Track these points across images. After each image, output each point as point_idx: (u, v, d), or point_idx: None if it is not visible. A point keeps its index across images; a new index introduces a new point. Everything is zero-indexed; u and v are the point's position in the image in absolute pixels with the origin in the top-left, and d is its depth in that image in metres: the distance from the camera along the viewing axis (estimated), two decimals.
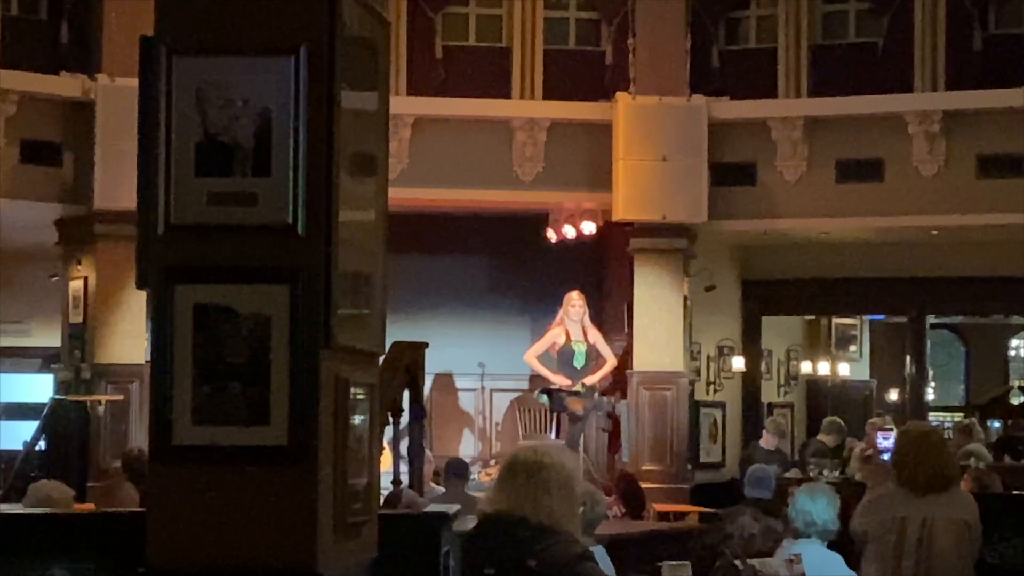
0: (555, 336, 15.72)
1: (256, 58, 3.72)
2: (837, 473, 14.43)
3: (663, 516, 14.13)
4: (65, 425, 15.52)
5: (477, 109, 16.47)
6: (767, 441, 16.23)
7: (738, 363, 18.74)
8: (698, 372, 18.12)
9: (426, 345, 11.36)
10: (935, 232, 16.94)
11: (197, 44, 3.73)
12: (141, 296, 3.83)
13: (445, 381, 17.68)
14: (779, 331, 19.96)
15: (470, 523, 5.13)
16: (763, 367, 19.55)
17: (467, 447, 17.41)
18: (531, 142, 16.44)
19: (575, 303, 15.69)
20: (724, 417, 18.56)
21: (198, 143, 3.72)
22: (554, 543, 4.66)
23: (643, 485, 14.06)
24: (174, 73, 3.73)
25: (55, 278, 17.07)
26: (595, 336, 15.84)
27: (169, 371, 3.71)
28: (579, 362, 15.58)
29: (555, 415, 16.13)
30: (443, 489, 11.94)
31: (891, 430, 14.47)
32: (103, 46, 15.47)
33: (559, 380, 15.46)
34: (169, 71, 3.73)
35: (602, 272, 17.83)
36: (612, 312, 17.41)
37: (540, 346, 15.92)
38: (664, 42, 16.54)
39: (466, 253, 18.22)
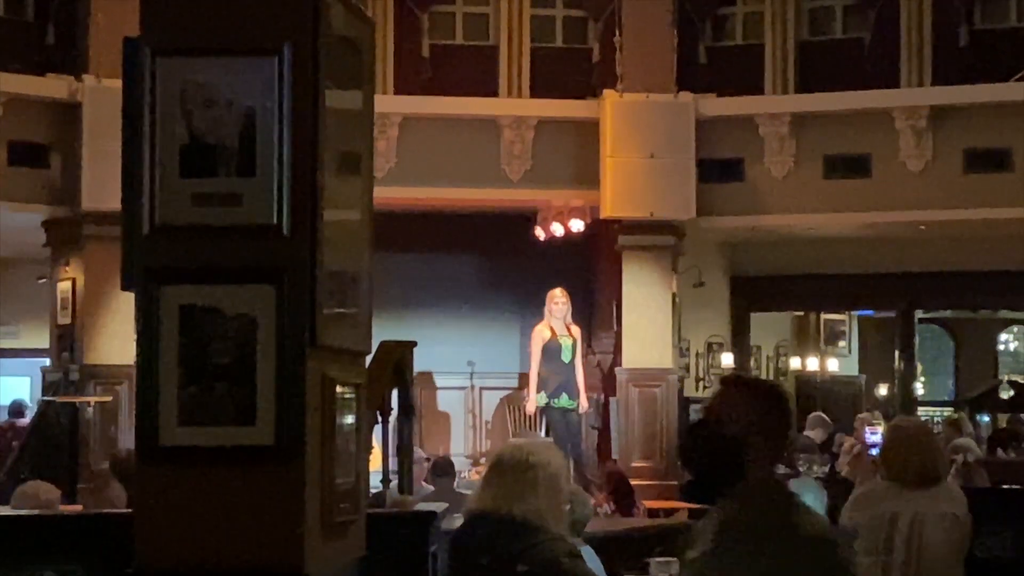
0: (541, 336, 15.64)
1: (240, 58, 3.72)
2: (826, 469, 14.42)
3: (653, 513, 14.11)
4: (55, 426, 15.51)
5: (464, 107, 16.48)
6: None
7: (727, 359, 18.74)
8: (687, 369, 18.13)
9: (415, 344, 11.32)
10: (923, 227, 16.96)
11: (181, 45, 3.73)
12: (129, 297, 3.82)
13: (434, 380, 17.67)
14: (768, 327, 19.98)
15: (458, 521, 5.13)
16: (752, 363, 19.57)
17: (457, 445, 17.40)
18: (519, 140, 16.44)
19: (558, 300, 15.60)
20: None
21: (183, 144, 3.71)
22: (540, 541, 4.67)
23: (633, 482, 14.07)
24: (158, 74, 3.73)
25: (43, 280, 17.05)
26: (577, 334, 15.75)
27: (155, 372, 3.70)
28: (567, 356, 15.50)
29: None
30: (433, 488, 11.97)
31: (879, 425, 14.49)
32: (89, 47, 15.45)
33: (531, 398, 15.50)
34: (153, 72, 3.73)
35: (591, 269, 17.84)
36: (601, 309, 17.41)
37: (534, 353, 15.73)
38: (651, 39, 16.54)
39: (454, 251, 18.21)
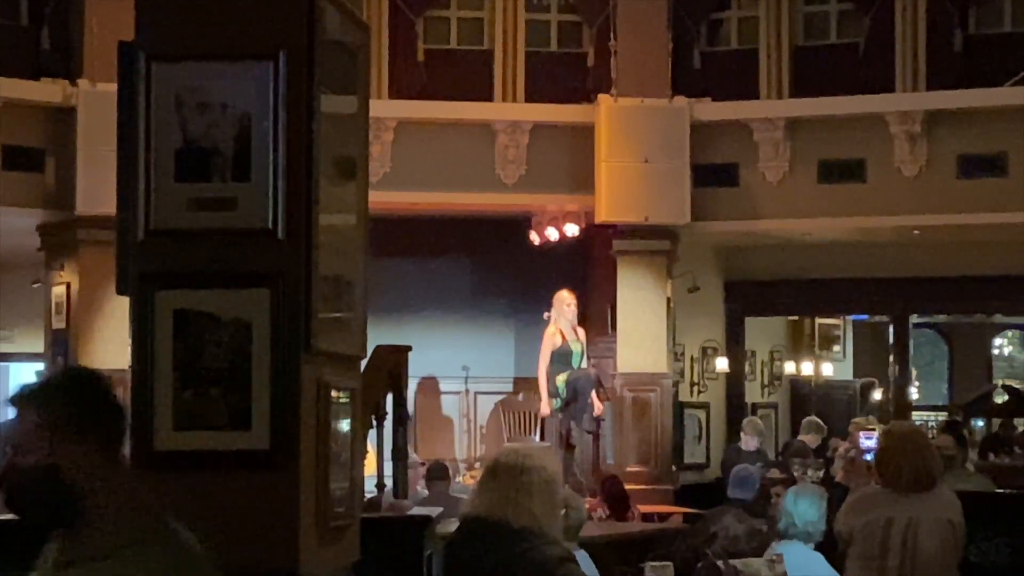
0: (552, 340, 15.67)
1: (235, 63, 3.72)
2: (820, 473, 14.42)
3: (647, 517, 14.10)
4: None
5: (459, 112, 16.47)
6: (747, 442, 16.22)
7: (722, 364, 18.75)
8: (682, 373, 18.13)
9: (409, 348, 11.33)
10: (917, 232, 16.95)
11: (176, 50, 3.73)
12: (124, 302, 3.82)
13: (429, 384, 17.67)
14: (763, 332, 19.96)
15: (453, 525, 5.13)
16: (747, 368, 19.56)
17: (452, 450, 17.40)
18: (513, 145, 16.43)
19: (570, 303, 15.72)
20: (708, 418, 18.57)
21: (178, 148, 3.71)
22: (535, 546, 4.66)
23: (627, 486, 14.05)
24: (153, 79, 3.73)
25: (38, 284, 17.03)
26: (583, 337, 15.89)
27: (150, 377, 3.70)
28: (575, 362, 15.63)
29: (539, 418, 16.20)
30: (428, 492, 11.98)
31: (873, 430, 14.48)
32: (84, 52, 15.44)
33: (544, 406, 15.59)
34: (148, 77, 3.73)
35: (585, 274, 17.82)
36: (596, 314, 17.40)
37: (545, 357, 15.76)
38: (646, 44, 16.54)
39: (449, 256, 18.20)
